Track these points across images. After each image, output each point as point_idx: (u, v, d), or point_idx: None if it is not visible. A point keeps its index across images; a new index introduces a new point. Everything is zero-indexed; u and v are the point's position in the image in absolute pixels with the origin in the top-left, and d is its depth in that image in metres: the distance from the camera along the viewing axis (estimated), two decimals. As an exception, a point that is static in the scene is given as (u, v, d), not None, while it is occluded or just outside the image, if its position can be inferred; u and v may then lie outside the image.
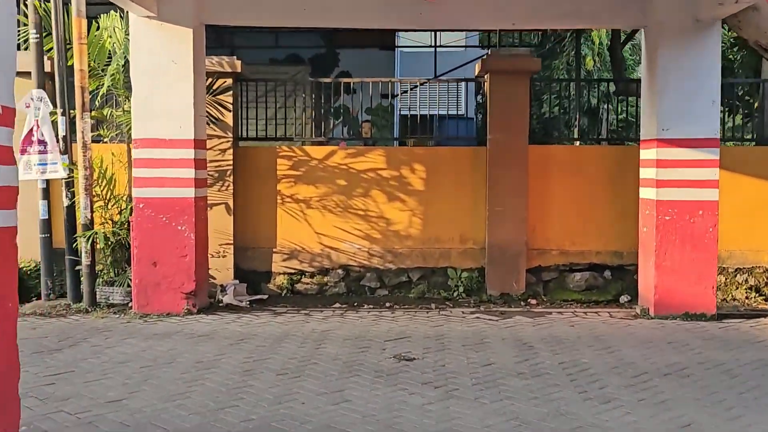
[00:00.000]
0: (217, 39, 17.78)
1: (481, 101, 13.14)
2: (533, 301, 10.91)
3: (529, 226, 11.17)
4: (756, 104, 12.08)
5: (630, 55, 21.91)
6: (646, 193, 9.92)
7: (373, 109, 14.70)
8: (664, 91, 9.55)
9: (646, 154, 9.92)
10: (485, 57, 11.55)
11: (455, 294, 11.11)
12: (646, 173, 9.94)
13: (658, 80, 9.55)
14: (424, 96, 13.80)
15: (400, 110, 19.44)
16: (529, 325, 9.25)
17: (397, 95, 18.00)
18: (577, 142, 12.83)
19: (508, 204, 11.05)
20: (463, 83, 15.15)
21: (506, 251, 11.07)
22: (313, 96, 12.04)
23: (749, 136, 12.36)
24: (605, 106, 19.57)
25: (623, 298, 11.06)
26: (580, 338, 8.51)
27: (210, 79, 10.59)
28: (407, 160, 11.41)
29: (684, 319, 9.50)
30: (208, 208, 10.91)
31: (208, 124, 10.63)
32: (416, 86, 12.96)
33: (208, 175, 11.01)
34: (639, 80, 12.12)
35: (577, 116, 12.46)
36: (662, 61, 9.51)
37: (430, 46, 18.44)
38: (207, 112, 10.44)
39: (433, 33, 17.91)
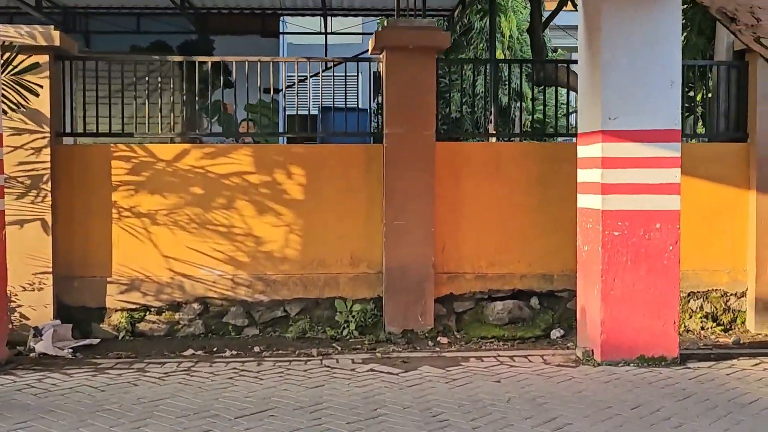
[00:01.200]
0: (67, 22, 15.01)
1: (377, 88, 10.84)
2: (444, 340, 8.56)
3: (438, 244, 8.83)
4: (708, 94, 10.06)
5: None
6: (587, 201, 7.70)
7: (253, 105, 12.17)
8: (610, 68, 7.34)
9: (587, 150, 7.70)
10: (380, 29, 9.15)
11: (345, 332, 8.66)
12: (587, 176, 7.71)
13: (603, 54, 7.34)
14: (315, 90, 11.37)
15: (286, 107, 17.01)
16: (440, 380, 6.87)
17: (282, 90, 15.45)
18: (494, 138, 10.57)
19: (410, 216, 8.68)
20: (363, 72, 12.73)
21: (409, 276, 8.70)
22: (184, 88, 9.40)
23: (701, 131, 10.33)
24: (517, 104, 17.60)
25: (555, 333, 8.82)
26: (510, 403, 6.17)
27: (8, 54, 7.87)
28: (283, 161, 8.92)
29: (640, 364, 7.29)
30: (19, 227, 8.24)
31: (5, 113, 7.91)
32: (305, 78, 10.40)
33: (18, 182, 8.34)
34: (566, 62, 9.98)
35: (492, 106, 10.23)
36: (607, 27, 7.30)
37: (320, 33, 16.02)
38: (2, 95, 7.72)
39: (323, 18, 15.49)
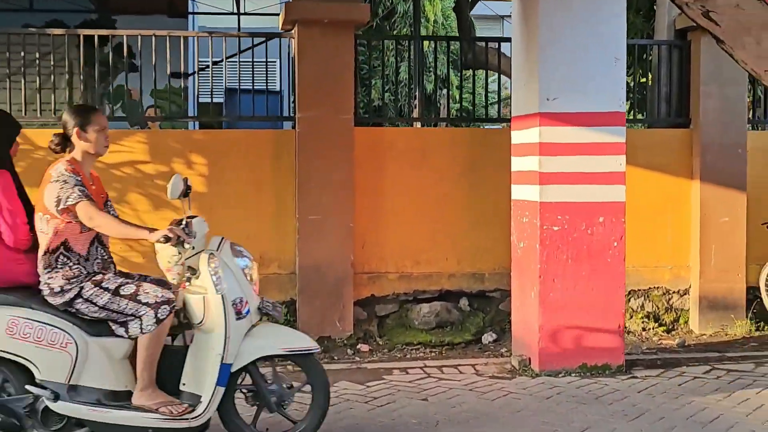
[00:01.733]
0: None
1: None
2: (365, 348, 7.68)
3: (357, 241, 7.94)
4: (648, 76, 9.37)
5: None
6: (522, 192, 6.89)
7: (161, 90, 11.02)
8: (548, 43, 6.54)
9: (523, 136, 6.89)
10: (291, 1, 8.19)
11: (254, 341, 7.69)
12: (522, 164, 6.91)
13: (540, 28, 6.53)
14: (231, 72, 10.35)
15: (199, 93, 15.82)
16: (359, 399, 5.96)
17: (195, 72, 14.27)
18: (419, 123, 9.71)
19: (326, 210, 7.76)
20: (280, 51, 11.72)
21: (325, 277, 7.78)
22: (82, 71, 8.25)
23: (640, 116, 9.67)
24: (443, 92, 16.83)
25: (487, 338, 8.01)
26: (439, 427, 5.31)
27: None
28: (182, 149, 7.90)
29: (582, 374, 6.53)
30: None
31: None
32: (219, 61, 9.29)
33: None
34: (496, 39, 9.18)
35: (417, 90, 9.36)
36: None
37: (233, 13, 14.90)
38: None
39: (235, -5, 14.39)
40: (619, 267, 6.63)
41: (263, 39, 8.81)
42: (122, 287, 4.41)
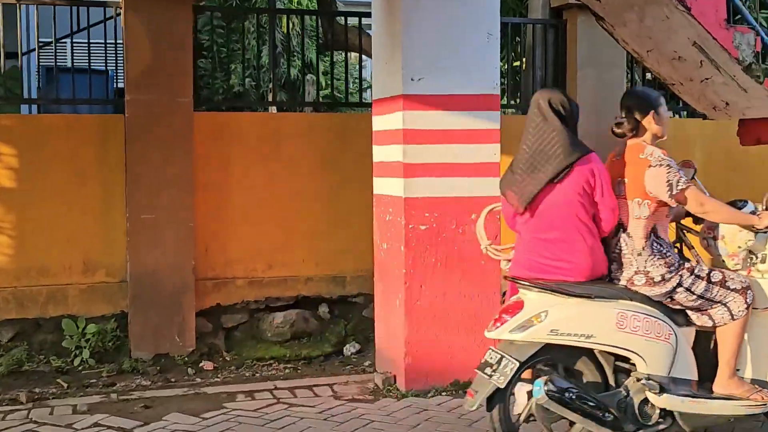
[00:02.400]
0: None
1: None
2: (209, 366, 6.67)
3: (200, 243, 6.92)
4: (523, 60, 8.67)
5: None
6: (385, 186, 6.03)
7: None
8: (413, 16, 5.68)
9: (385, 121, 6.02)
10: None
11: (77, 362, 6.56)
12: (385, 154, 6.04)
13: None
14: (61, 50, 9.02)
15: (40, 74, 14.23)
16: (190, 436, 4.98)
17: (33, 50, 12.71)
18: (274, 108, 8.70)
19: (162, 208, 6.71)
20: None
21: (162, 285, 6.73)
22: None
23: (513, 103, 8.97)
24: (307, 77, 15.88)
25: (349, 349, 7.15)
26: (285, 472, 4.40)
27: None
28: (-13, 136, 6.67)
29: (455, 393, 5.71)
30: None
31: None
32: (62, 39, 7.98)
33: None
34: (358, 14, 8.27)
35: (272, 72, 8.33)
36: (409, -37, 5.64)
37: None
38: None
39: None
40: (494, 270, 5.85)
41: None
42: (711, 274, 4.32)
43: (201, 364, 6.68)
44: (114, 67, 7.74)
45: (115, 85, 7.97)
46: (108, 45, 7.15)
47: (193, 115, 6.83)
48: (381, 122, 6.09)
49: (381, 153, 6.10)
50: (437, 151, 5.71)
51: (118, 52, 7.07)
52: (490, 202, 5.77)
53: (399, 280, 5.79)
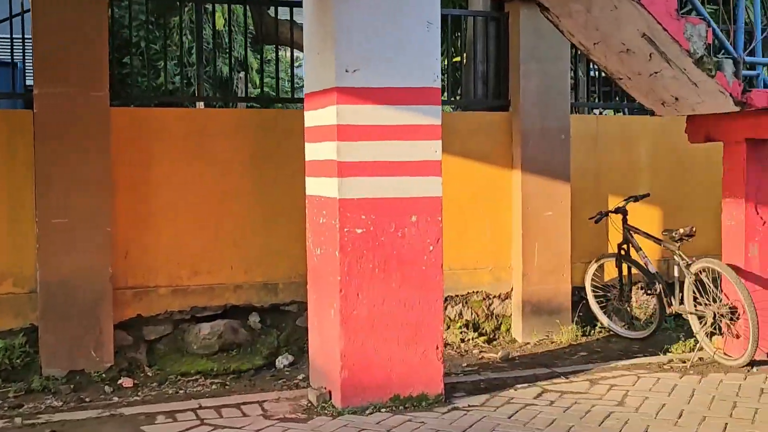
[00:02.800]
0: None
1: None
2: (128, 383, 6.17)
3: (118, 249, 6.40)
4: (464, 55, 8.30)
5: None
6: (318, 186, 5.59)
7: None
8: (346, 3, 5.25)
9: (318, 117, 5.58)
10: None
11: (-19, 381, 5.99)
12: (317, 151, 5.60)
13: (336, -19, 5.24)
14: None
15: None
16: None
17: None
18: (201, 104, 8.19)
19: (76, 211, 6.17)
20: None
21: (76, 295, 6.19)
22: None
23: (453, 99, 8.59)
24: (240, 75, 15.36)
25: (282, 361, 6.70)
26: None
27: None
28: None
29: (394, 409, 5.31)
30: None
31: None
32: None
33: None
34: (287, 4, 7.81)
35: (198, 66, 7.82)
36: (342, -56, 5.21)
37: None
38: None
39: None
40: (436, 276, 5.46)
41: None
42: None
43: (120, 381, 6.16)
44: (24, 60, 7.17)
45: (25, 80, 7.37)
46: (15, 37, 6.57)
47: (110, 111, 6.30)
48: (313, 117, 5.65)
49: (313, 151, 5.66)
50: (374, 149, 5.28)
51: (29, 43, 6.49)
52: (431, 203, 5.42)
53: (334, 287, 5.35)
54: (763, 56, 6.48)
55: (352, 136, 5.26)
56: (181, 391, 6.03)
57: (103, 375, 6.19)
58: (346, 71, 5.24)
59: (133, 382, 6.17)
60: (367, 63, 5.27)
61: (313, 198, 5.67)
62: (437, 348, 5.49)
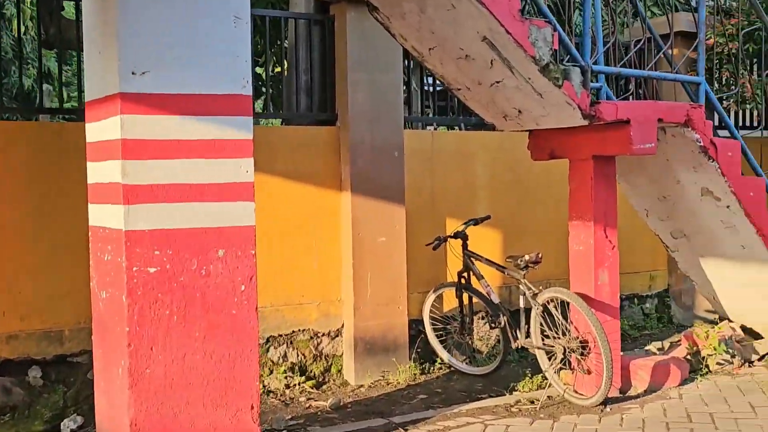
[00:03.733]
0: None
1: None
2: None
3: None
4: (285, 65, 7.41)
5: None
6: (102, 215, 4.54)
7: None
8: (131, -11, 4.26)
9: (99, 130, 4.53)
10: None
11: None
12: (100, 172, 4.55)
13: (118, -37, 4.23)
14: None
15: None
16: None
17: None
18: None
19: None
20: None
21: None
22: None
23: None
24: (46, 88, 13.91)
25: (69, 425, 5.56)
26: None
27: None
28: None
29: (199, 488, 4.33)
30: None
31: None
32: None
33: None
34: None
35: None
36: None
37: None
38: None
39: None
40: (249, 321, 4.52)
41: None
42: None
43: None
44: None
45: None
46: None
47: None
48: (95, 131, 4.60)
49: (96, 171, 4.61)
50: (169, 169, 4.30)
51: None
52: (242, 233, 4.48)
53: (122, 340, 4.31)
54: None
55: (142, 153, 4.25)
56: (-69, 475, 4.82)
57: None
58: (133, 73, 4.23)
59: None
60: (159, 64, 4.28)
61: (97, 230, 4.61)
62: (252, 408, 4.54)
